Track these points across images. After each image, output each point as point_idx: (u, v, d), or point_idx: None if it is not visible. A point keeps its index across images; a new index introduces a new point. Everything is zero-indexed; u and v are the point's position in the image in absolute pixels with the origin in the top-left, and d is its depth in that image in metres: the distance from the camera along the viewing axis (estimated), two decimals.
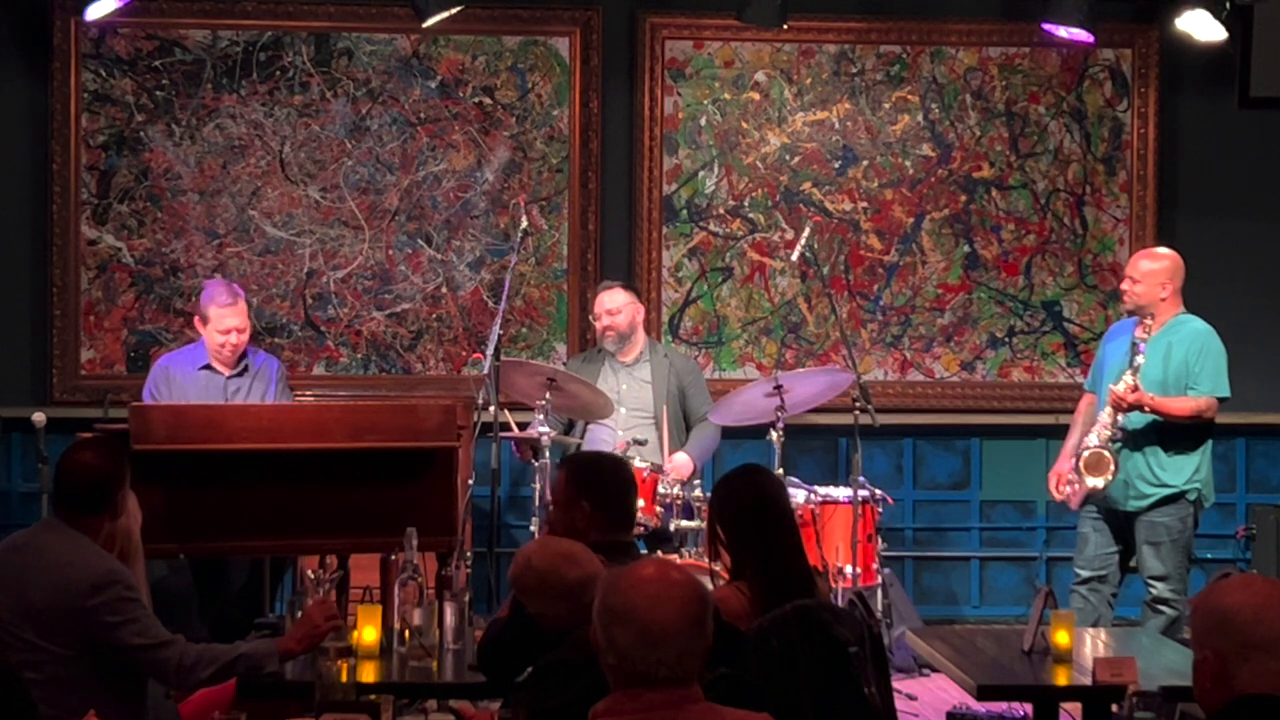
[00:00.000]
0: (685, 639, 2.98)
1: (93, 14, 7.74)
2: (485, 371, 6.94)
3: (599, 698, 3.05)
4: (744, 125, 8.37)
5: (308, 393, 7.89)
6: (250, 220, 8.20)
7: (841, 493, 7.06)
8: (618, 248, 8.34)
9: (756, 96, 8.37)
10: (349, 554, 6.11)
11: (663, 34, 8.32)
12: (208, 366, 7.20)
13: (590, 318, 7.75)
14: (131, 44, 8.14)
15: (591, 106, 8.28)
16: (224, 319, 7.12)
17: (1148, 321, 6.70)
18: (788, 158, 8.39)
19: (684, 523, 6.80)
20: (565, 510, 4.76)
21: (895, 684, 4.99)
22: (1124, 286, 6.84)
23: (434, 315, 8.28)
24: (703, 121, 8.36)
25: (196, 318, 7.29)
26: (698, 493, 6.83)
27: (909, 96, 8.42)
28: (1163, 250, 6.99)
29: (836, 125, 8.41)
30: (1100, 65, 8.48)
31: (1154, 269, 6.76)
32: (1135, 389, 6.57)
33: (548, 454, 6.85)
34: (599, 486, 4.77)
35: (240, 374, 7.22)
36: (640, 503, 6.38)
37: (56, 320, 8.12)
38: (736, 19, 7.95)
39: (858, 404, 7.16)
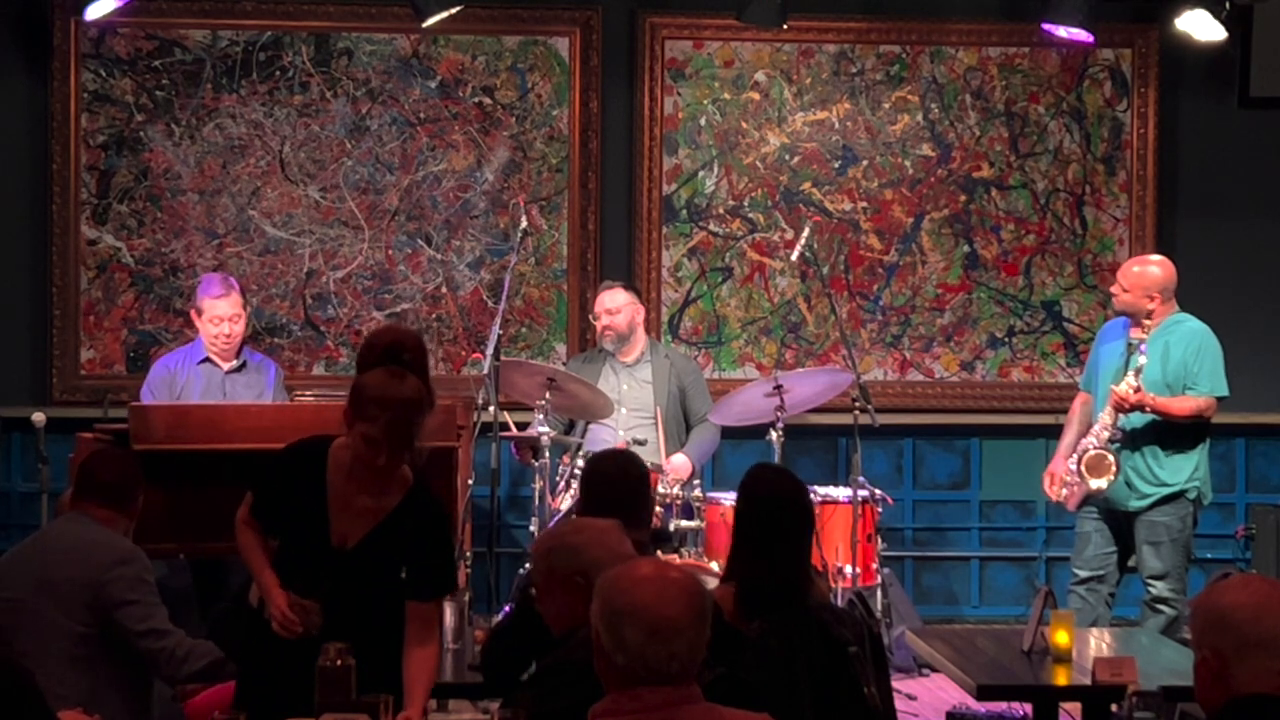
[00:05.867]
0: (693, 632, 3.00)
1: (93, 14, 7.74)
2: (485, 371, 6.95)
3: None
4: (744, 125, 8.37)
5: (308, 393, 7.86)
6: (250, 220, 8.20)
7: (841, 493, 7.06)
8: (618, 248, 8.34)
9: (756, 96, 8.37)
10: None
11: (662, 34, 8.32)
12: (206, 360, 7.23)
13: (590, 317, 7.75)
14: (131, 44, 8.14)
15: (591, 106, 8.28)
16: (216, 308, 7.16)
17: (1146, 322, 6.71)
18: (788, 158, 8.39)
19: (684, 523, 6.81)
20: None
21: (895, 684, 5.00)
22: (1113, 290, 6.89)
23: (434, 315, 8.28)
24: (702, 121, 8.35)
25: (192, 310, 7.34)
26: (697, 493, 6.83)
27: (909, 96, 8.42)
28: (1154, 258, 7.00)
29: (836, 125, 8.40)
30: (1100, 65, 8.48)
31: (1141, 279, 6.75)
32: (1138, 390, 6.57)
33: (547, 454, 6.85)
34: (606, 489, 4.76)
35: (239, 369, 7.27)
36: None
37: (56, 320, 8.12)
38: (736, 19, 7.95)
39: (857, 404, 7.16)
